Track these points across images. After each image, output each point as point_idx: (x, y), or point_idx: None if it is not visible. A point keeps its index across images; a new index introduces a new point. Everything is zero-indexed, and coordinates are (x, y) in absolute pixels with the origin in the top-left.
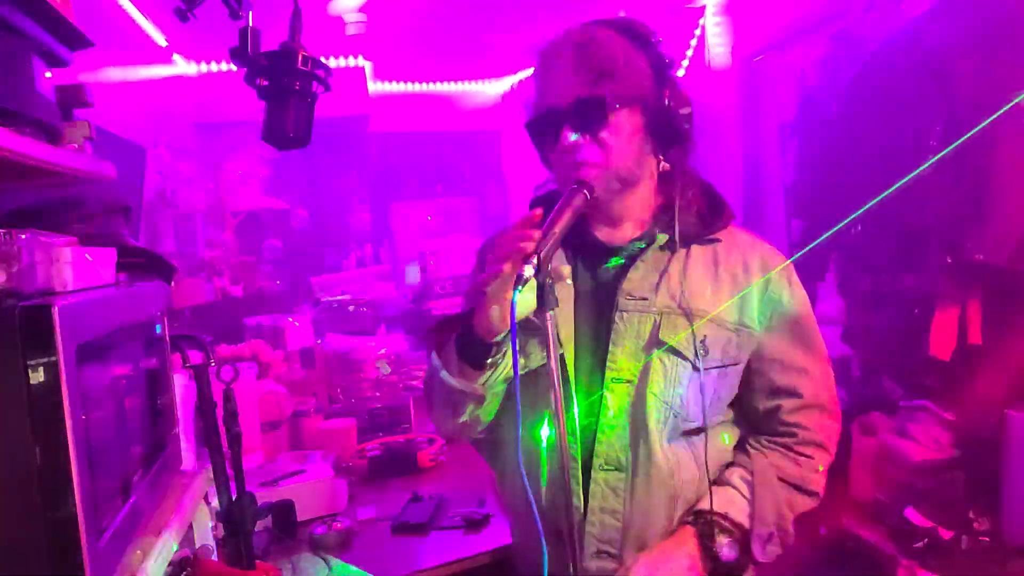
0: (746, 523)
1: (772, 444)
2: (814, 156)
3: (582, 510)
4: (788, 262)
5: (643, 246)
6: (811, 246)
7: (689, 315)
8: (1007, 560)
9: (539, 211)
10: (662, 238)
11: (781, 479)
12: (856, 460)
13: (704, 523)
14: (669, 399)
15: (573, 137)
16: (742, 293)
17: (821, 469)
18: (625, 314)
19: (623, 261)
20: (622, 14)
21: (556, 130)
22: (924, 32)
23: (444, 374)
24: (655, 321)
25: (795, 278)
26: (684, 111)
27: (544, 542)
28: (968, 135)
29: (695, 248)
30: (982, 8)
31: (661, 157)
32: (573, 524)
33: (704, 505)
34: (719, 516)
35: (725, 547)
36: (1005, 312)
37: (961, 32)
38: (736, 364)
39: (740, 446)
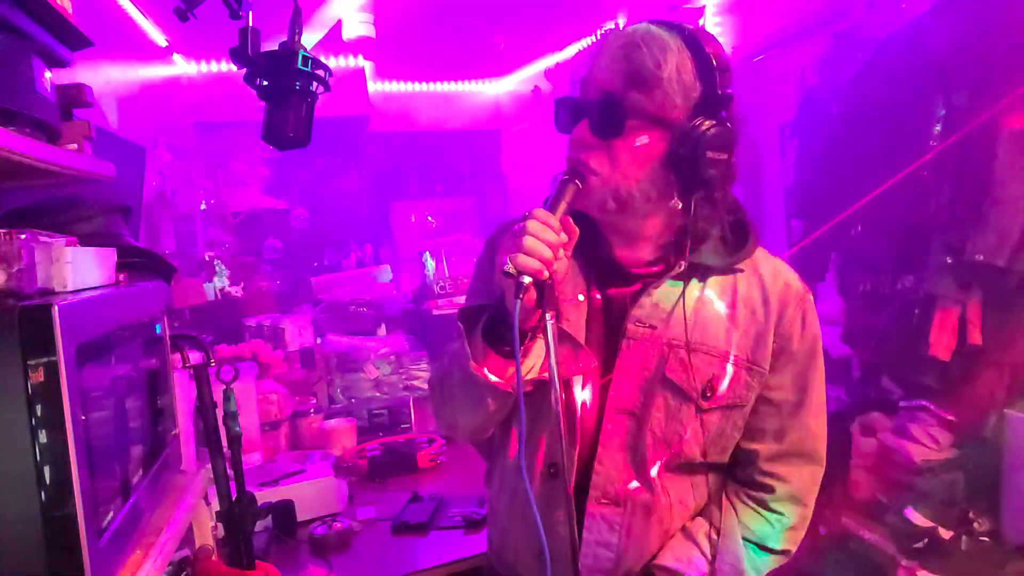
0: None
1: (747, 499)
2: (814, 156)
3: (576, 541)
4: (806, 295)
5: (659, 271)
6: (811, 246)
7: (698, 351)
8: (1007, 560)
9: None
10: (680, 265)
11: (746, 539)
12: (856, 460)
13: None
14: (668, 437)
15: (584, 133)
16: (758, 329)
17: (792, 525)
18: (632, 342)
19: (637, 284)
20: (623, 16)
21: (573, 118)
22: (924, 32)
23: (472, 364)
24: (662, 353)
25: (811, 314)
26: (717, 155)
27: (548, 561)
28: (967, 135)
29: (713, 278)
30: (982, 8)
31: (676, 193)
32: (574, 550)
33: (663, 559)
34: None
35: None
36: (1005, 312)
37: (961, 32)
38: (743, 405)
39: (719, 493)
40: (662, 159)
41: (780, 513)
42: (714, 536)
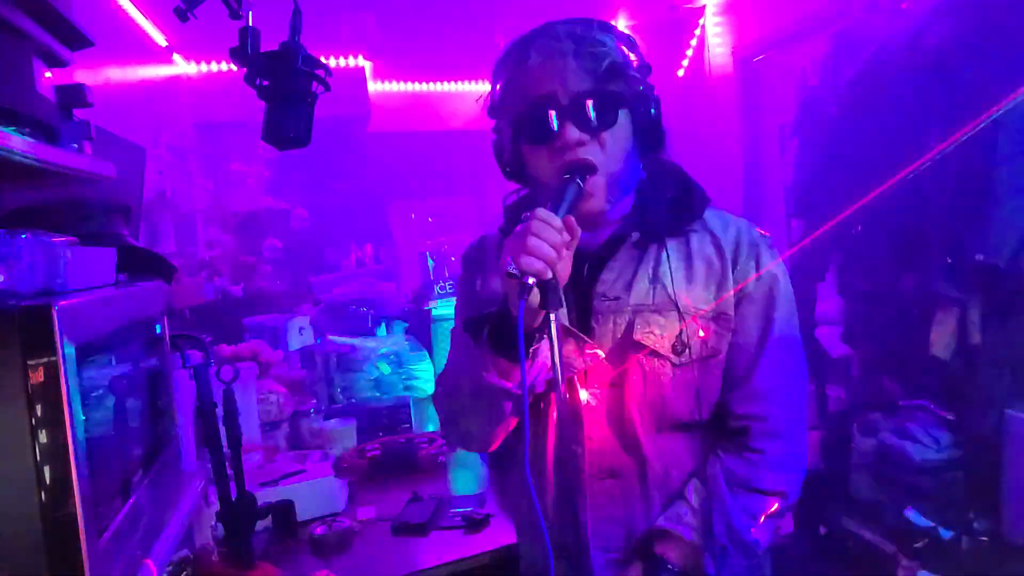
0: (695, 539)
1: (729, 445)
2: (814, 156)
3: (585, 522)
4: (760, 239)
5: (616, 246)
6: (810, 246)
7: (664, 310)
8: (1007, 560)
9: (543, 212)
10: (634, 236)
11: (732, 484)
12: (856, 460)
13: (649, 566)
14: (651, 400)
15: (577, 133)
16: (717, 279)
17: (779, 463)
18: (600, 316)
19: (596, 262)
20: (623, 16)
21: (552, 126)
22: (924, 32)
23: (484, 374)
24: (629, 320)
25: (765, 256)
26: (660, 116)
27: (552, 557)
28: (966, 134)
29: (669, 241)
30: (982, 8)
31: (641, 164)
32: (581, 536)
33: (656, 523)
34: (665, 547)
35: None
36: (1005, 312)
37: (961, 32)
38: (718, 355)
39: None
40: (631, 134)
41: (761, 450)
42: (700, 487)
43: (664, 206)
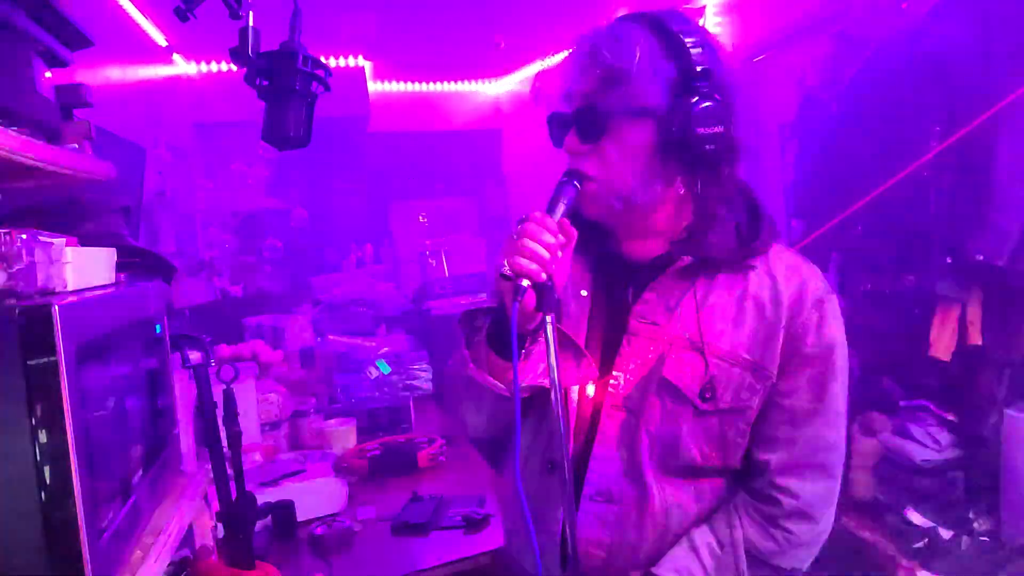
0: None
1: (755, 513)
2: (814, 156)
3: (567, 537)
4: (827, 296)
5: (664, 266)
6: (811, 246)
7: (700, 349)
8: (1007, 560)
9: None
10: (684, 260)
11: (750, 553)
12: (856, 460)
13: None
14: (665, 439)
15: (575, 143)
16: (767, 330)
17: (802, 543)
18: (634, 338)
19: (642, 280)
20: (622, 11)
21: (562, 131)
22: (924, 32)
23: (472, 369)
24: (663, 351)
25: (831, 318)
26: (709, 130)
27: (539, 559)
28: (967, 134)
29: (723, 274)
30: (982, 8)
31: (679, 178)
32: (563, 546)
33: (662, 568)
34: None
35: None
36: (1005, 312)
37: (961, 32)
38: (746, 410)
39: (727, 503)
40: (653, 147)
41: (788, 531)
42: (717, 550)
43: (723, 232)
